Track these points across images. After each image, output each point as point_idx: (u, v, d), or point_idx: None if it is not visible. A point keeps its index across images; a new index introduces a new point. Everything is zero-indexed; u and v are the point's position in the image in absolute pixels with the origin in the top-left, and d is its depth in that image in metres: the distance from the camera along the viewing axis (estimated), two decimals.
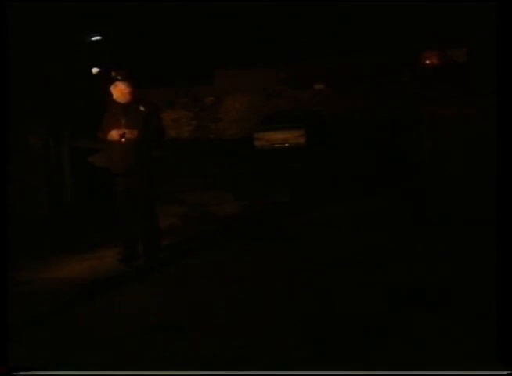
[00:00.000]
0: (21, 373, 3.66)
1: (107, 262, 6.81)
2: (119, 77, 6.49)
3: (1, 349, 3.77)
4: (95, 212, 8.36)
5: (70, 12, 8.66)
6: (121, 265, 6.49)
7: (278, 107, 23.57)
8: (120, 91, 6.45)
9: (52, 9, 8.05)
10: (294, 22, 27.83)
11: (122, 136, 6.29)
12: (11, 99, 5.21)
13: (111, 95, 6.54)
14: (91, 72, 10.42)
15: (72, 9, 8.63)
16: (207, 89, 27.34)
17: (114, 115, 6.47)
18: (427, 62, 25.88)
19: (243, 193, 10.80)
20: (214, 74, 29.68)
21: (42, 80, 8.08)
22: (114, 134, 6.31)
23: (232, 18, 28.70)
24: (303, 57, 27.53)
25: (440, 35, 23.96)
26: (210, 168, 14.87)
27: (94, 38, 15.72)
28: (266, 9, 27.39)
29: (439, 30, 23.88)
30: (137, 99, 6.54)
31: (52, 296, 5.63)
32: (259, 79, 27.21)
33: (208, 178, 12.96)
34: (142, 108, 6.47)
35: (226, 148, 20.68)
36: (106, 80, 6.90)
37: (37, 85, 7.95)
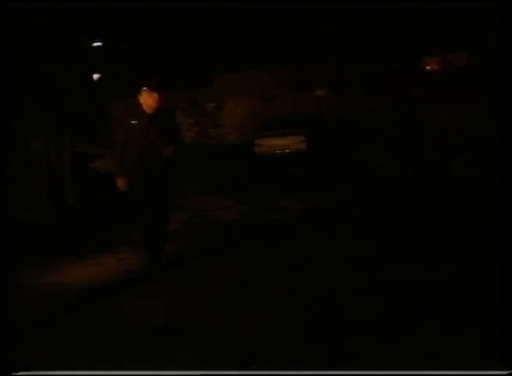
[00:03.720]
0: (21, 373, 3.65)
1: (108, 266, 6.81)
2: (148, 86, 6.08)
3: (1, 349, 3.77)
4: (95, 216, 8.37)
5: (69, 15, 8.68)
6: (146, 270, 6.28)
7: (278, 111, 23.54)
8: (150, 100, 6.10)
9: (51, 12, 8.08)
10: (294, 24, 27.82)
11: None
12: (12, 103, 5.21)
13: (136, 104, 6.18)
14: (92, 77, 10.46)
15: (71, 13, 8.66)
16: (207, 94, 27.31)
17: (137, 126, 6.12)
18: (428, 68, 25.88)
19: (244, 198, 10.81)
20: (215, 79, 29.66)
21: (43, 84, 8.09)
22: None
23: (231, 21, 28.70)
24: (303, 60, 27.50)
25: (440, 38, 23.97)
26: (211, 173, 14.87)
27: (95, 44, 15.76)
28: (265, 11, 27.38)
29: (440, 33, 23.89)
30: (163, 108, 6.24)
31: (53, 300, 5.61)
32: (259, 83, 27.20)
33: (209, 183, 12.96)
34: (167, 118, 6.25)
35: (227, 153, 20.67)
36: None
37: (37, 89, 7.96)
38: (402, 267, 5.88)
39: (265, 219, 9.05)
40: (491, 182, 4.39)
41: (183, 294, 5.64)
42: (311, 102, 25.00)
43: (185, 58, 28.59)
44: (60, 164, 8.29)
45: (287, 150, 18.82)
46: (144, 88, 6.08)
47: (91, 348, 4.39)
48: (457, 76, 19.75)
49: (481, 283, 4.98)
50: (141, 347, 4.38)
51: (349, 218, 8.58)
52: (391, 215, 8.34)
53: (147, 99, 6.10)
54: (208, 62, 28.62)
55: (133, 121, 6.15)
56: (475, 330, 4.17)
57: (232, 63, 28.06)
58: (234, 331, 4.54)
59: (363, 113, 21.45)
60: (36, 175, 8.05)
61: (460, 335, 4.10)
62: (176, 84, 27.56)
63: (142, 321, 4.91)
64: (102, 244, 7.69)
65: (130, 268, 6.64)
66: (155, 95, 6.08)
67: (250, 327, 4.63)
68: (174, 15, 27.30)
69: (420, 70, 24.18)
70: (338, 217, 8.75)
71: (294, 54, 26.98)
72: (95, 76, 19.05)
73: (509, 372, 3.40)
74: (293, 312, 4.83)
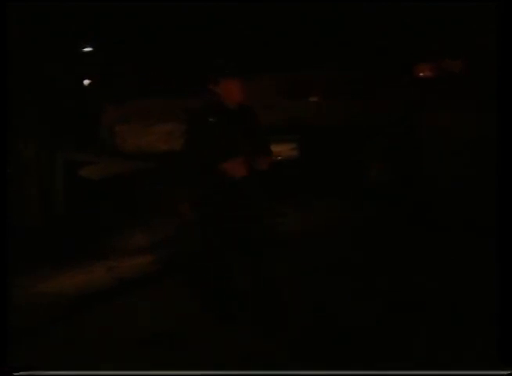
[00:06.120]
0: (21, 373, 3.64)
1: (99, 275, 6.74)
2: (232, 71, 4.39)
3: (1, 349, 3.75)
4: (87, 224, 8.30)
5: (65, 21, 8.65)
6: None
7: (272, 119, 23.46)
8: (236, 90, 4.42)
9: (47, 20, 8.04)
10: (291, 30, 27.88)
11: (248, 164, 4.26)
12: (6, 110, 5.17)
13: (211, 98, 4.50)
14: (83, 83, 10.41)
15: (66, 18, 8.61)
16: (202, 101, 27.19)
17: (217, 128, 4.38)
18: (421, 74, 25.87)
19: None
20: None
21: (38, 85, 8.05)
22: (236, 166, 4.23)
23: (228, 27, 28.73)
24: (298, 67, 27.47)
25: (440, 40, 23.94)
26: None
27: (86, 49, 15.71)
28: (261, 18, 27.45)
29: (439, 34, 23.87)
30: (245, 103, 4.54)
31: (46, 307, 5.52)
32: (255, 90, 27.19)
33: None
34: (253, 116, 4.59)
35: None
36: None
37: (33, 91, 7.92)
38: (401, 267, 5.90)
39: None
40: (491, 182, 4.41)
41: (178, 298, 5.63)
42: (308, 107, 24.94)
43: (183, 63, 28.59)
44: (52, 171, 8.24)
45: (279, 157, 18.75)
46: (226, 74, 4.40)
47: (91, 349, 4.39)
48: (457, 77, 19.76)
49: (481, 283, 4.99)
50: (140, 348, 4.38)
51: (348, 220, 8.57)
52: (390, 216, 8.36)
53: (232, 90, 4.40)
54: (205, 66, 28.61)
55: (211, 122, 4.40)
56: (475, 330, 4.18)
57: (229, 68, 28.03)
58: (234, 332, 4.54)
59: (362, 116, 21.39)
60: (27, 182, 8.00)
61: (460, 335, 4.12)
62: (172, 91, 27.50)
63: (141, 322, 4.91)
64: (93, 251, 7.63)
65: (122, 275, 6.61)
66: (240, 83, 4.41)
67: (250, 327, 4.63)
68: (173, 18, 27.31)
69: (419, 71, 24.18)
70: (337, 219, 8.75)
71: (293, 58, 26.98)
72: (92, 78, 18.89)
73: (509, 372, 3.41)
74: (293, 313, 4.84)
